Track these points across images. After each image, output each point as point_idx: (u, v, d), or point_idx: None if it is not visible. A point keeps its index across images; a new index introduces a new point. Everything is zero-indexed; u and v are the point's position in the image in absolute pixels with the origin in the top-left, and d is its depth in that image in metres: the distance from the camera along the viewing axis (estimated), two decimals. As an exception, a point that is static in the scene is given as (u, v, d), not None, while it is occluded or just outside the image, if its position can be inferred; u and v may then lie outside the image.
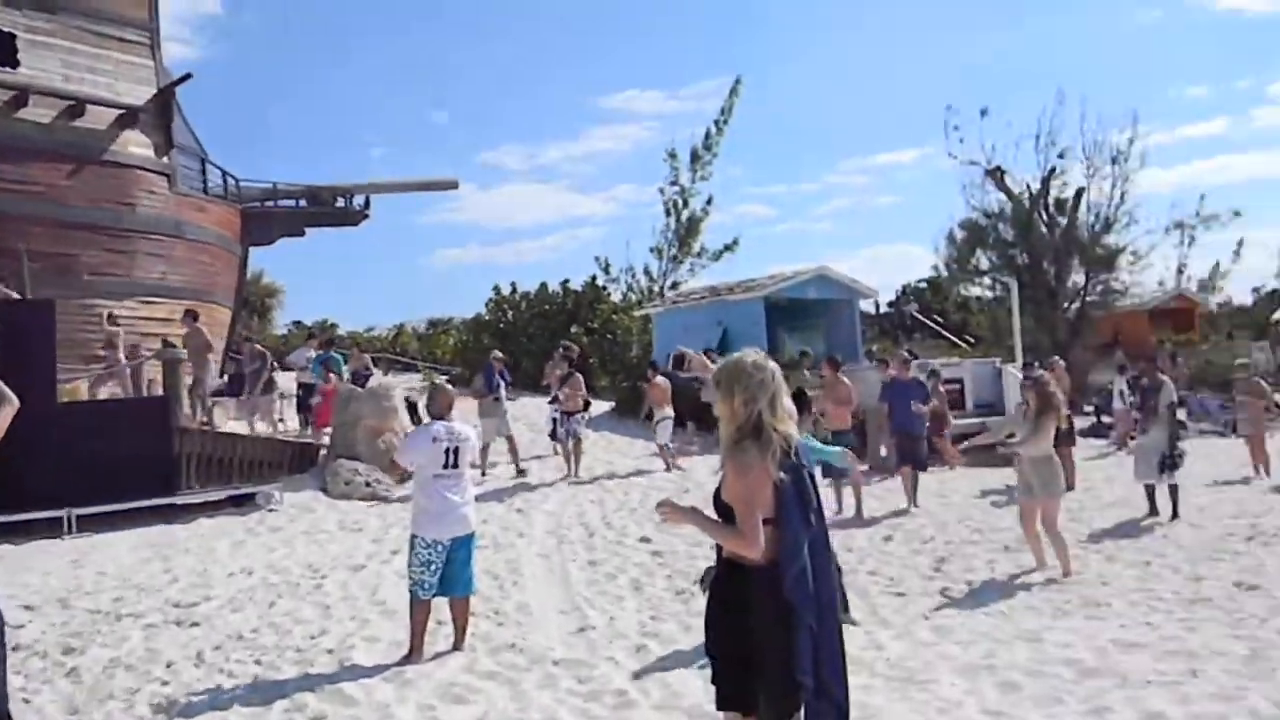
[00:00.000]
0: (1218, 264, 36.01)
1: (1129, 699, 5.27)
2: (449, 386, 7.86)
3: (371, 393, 16.07)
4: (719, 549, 3.62)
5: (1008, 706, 5.26)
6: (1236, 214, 28.46)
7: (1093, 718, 5.03)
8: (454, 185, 34.65)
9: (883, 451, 15.35)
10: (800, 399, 7.64)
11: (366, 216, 29.33)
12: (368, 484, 14.17)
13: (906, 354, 15.71)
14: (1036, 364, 17.12)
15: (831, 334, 25.44)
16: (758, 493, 3.43)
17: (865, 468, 15.60)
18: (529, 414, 19.57)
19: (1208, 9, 74.64)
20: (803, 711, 3.43)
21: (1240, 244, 36.08)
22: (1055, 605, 7.60)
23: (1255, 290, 43.91)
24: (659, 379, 16.47)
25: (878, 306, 44.28)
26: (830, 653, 3.49)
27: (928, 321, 40.77)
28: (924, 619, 7.37)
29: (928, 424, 13.27)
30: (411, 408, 8.76)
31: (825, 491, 12.71)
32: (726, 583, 3.57)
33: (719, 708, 3.57)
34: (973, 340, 35.17)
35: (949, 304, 43.48)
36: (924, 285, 47.83)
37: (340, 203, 28.98)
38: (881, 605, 7.88)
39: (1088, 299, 27.35)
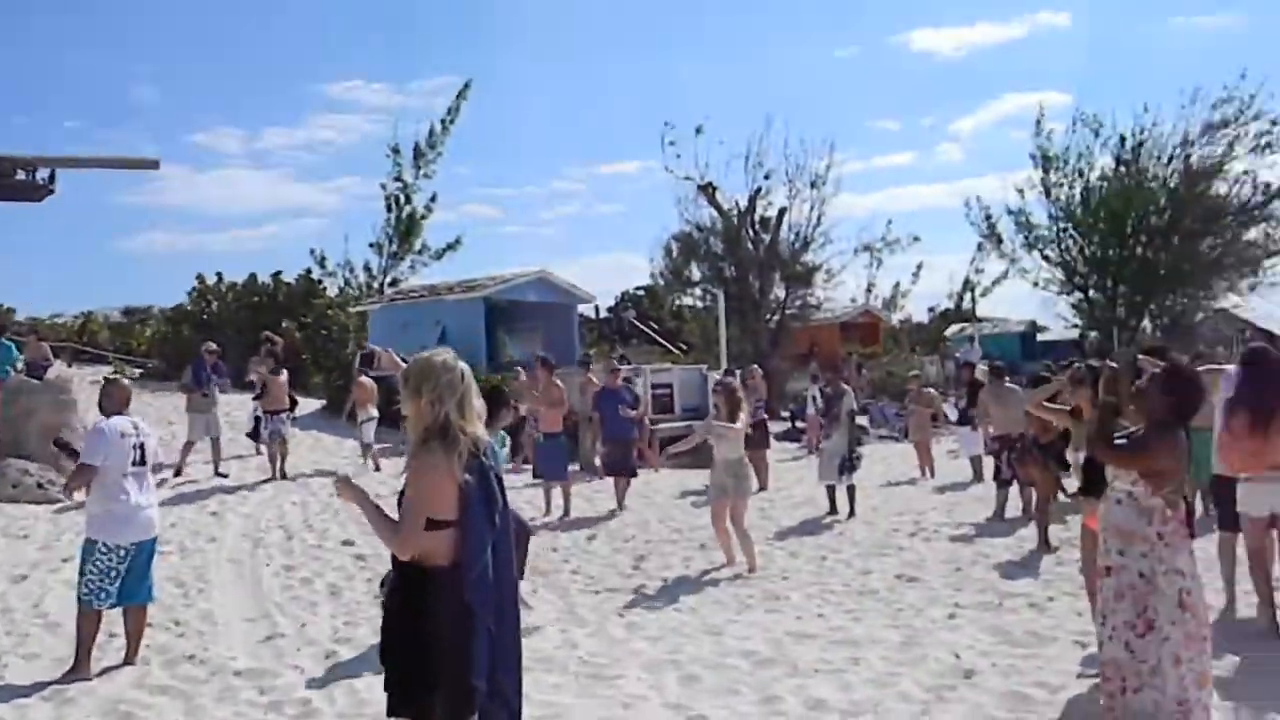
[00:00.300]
0: (899, 284, 39.39)
1: (797, 687, 5.67)
2: (125, 381, 7.27)
3: (48, 385, 14.66)
4: None
5: (687, 699, 5.52)
6: (916, 239, 31.46)
7: (763, 706, 5.37)
8: (155, 165, 31.96)
9: (597, 461, 15.67)
10: (498, 397, 7.66)
11: (51, 192, 26.64)
12: (40, 485, 12.89)
13: (616, 362, 16.15)
14: (737, 371, 18.09)
15: (551, 337, 25.72)
16: (434, 495, 3.43)
17: (576, 468, 15.95)
18: (231, 411, 18.52)
19: (902, 50, 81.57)
20: (476, 715, 3.46)
21: (919, 267, 39.77)
22: (740, 600, 8.06)
23: (931, 310, 48.38)
24: (364, 378, 16.12)
25: (598, 311, 45.24)
26: (507, 655, 3.54)
27: (644, 328, 42.14)
28: (618, 616, 7.60)
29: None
30: (62, 446, 8.11)
31: (534, 493, 12.96)
32: (406, 584, 3.53)
33: (390, 714, 3.53)
34: (685, 347, 36.68)
35: (664, 312, 45.04)
36: (642, 293, 49.28)
37: (21, 175, 26.16)
38: (579, 604, 8.05)
39: (787, 311, 29.21)
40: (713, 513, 9.46)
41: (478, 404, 3.60)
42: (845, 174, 50.93)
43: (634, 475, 13.05)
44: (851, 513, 11.99)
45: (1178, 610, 4.58)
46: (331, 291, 34.62)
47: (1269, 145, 29.13)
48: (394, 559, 3.58)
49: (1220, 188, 30.26)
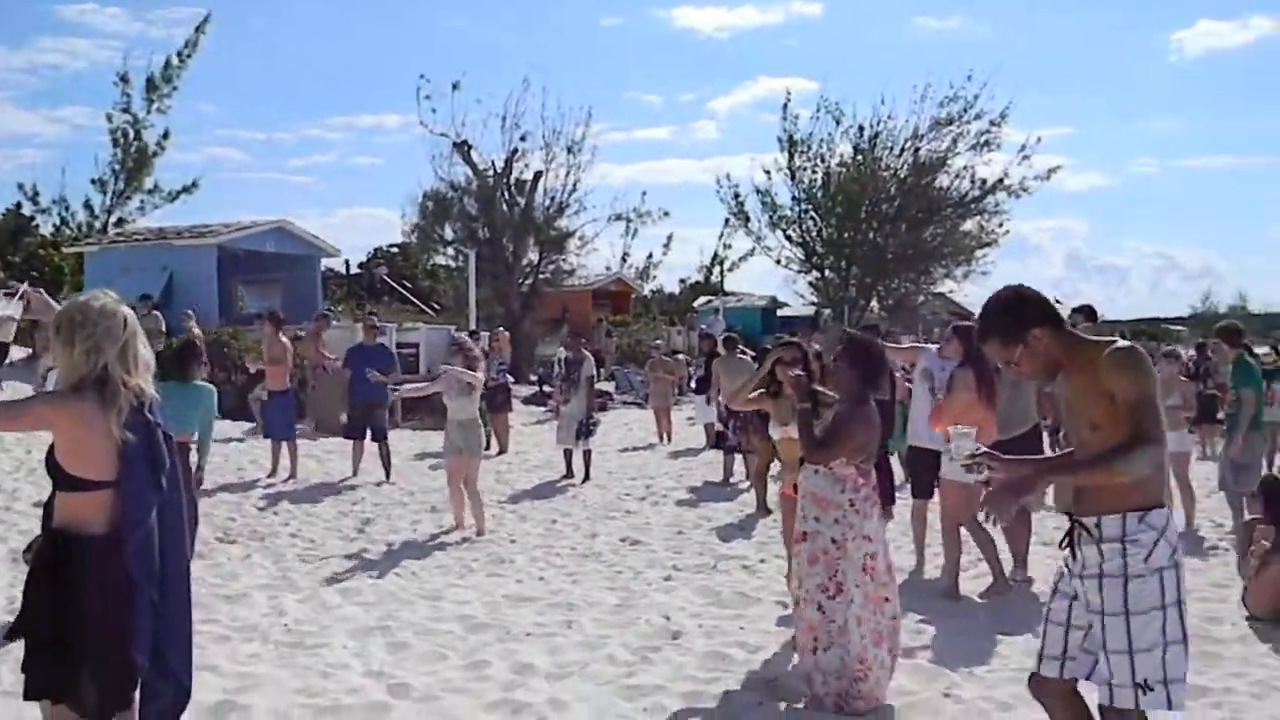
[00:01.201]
0: (651, 255, 40.00)
1: (506, 651, 5.62)
2: None
3: None
4: (47, 516, 3.24)
5: (392, 665, 5.36)
6: (666, 213, 32.01)
7: (469, 671, 5.29)
8: None
9: (343, 417, 15.06)
10: (189, 350, 7.13)
11: None
12: None
13: (373, 319, 15.57)
14: (484, 334, 17.95)
15: (292, 291, 24.61)
16: (71, 445, 3.13)
17: (310, 426, 15.34)
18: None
19: (665, 24, 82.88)
20: (138, 693, 3.19)
21: (670, 239, 40.35)
22: (464, 563, 7.95)
23: (682, 281, 49.58)
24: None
25: (348, 267, 43.62)
26: (174, 629, 3.26)
27: (396, 286, 40.98)
28: (334, 581, 7.31)
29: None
30: None
31: (260, 452, 12.34)
32: (57, 552, 3.19)
33: (28, 697, 3.19)
34: (438, 307, 36.00)
35: (419, 270, 43.98)
36: (396, 250, 47.81)
37: None
38: (294, 569, 7.70)
39: (540, 275, 29.13)
40: (449, 472, 9.27)
41: (144, 354, 3.28)
42: (605, 143, 51.34)
43: (380, 438, 12.39)
44: (587, 476, 12.13)
45: (861, 573, 4.86)
46: (46, 230, 31.72)
47: (987, 144, 31.51)
48: (45, 523, 3.24)
49: (943, 181, 32.52)
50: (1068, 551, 3.31)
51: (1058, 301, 6.28)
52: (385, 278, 41.93)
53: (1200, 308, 70.20)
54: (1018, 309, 3.32)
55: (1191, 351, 18.14)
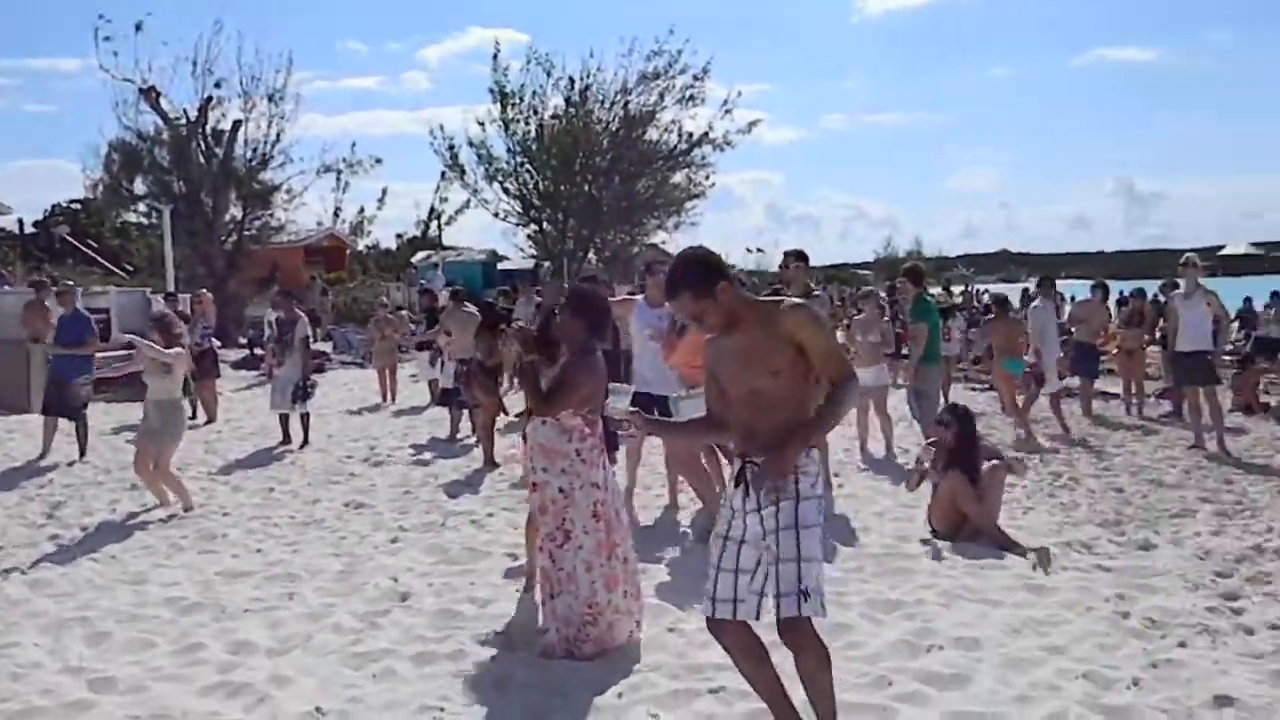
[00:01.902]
0: (364, 209, 38.51)
1: (222, 630, 5.31)
2: None
3: None
4: None
5: (92, 659, 4.93)
6: (378, 161, 30.76)
7: (181, 657, 4.95)
8: None
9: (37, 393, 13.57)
10: None
11: None
12: None
13: (68, 285, 14.10)
14: (184, 296, 16.79)
15: (-48, 253, 21.97)
16: None
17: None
18: None
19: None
20: None
21: (384, 192, 39.11)
22: (171, 542, 7.41)
23: (399, 236, 48.18)
24: None
25: (21, 225, 39.42)
26: None
27: (80, 246, 37.44)
28: (20, 573, 6.62)
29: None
30: None
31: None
32: None
33: None
34: (131, 268, 33.24)
35: (106, 228, 40.32)
36: (78, 206, 43.51)
37: None
38: (-32, 563, 6.91)
39: (245, 232, 27.46)
40: (136, 455, 8.51)
41: None
42: (311, 92, 48.58)
43: (72, 417, 11.04)
44: (305, 441, 11.64)
45: (591, 520, 4.96)
46: None
47: (692, 98, 32.63)
48: None
49: (653, 134, 33.40)
50: (736, 493, 3.59)
51: (759, 250, 6.62)
52: (66, 237, 38.25)
53: (883, 253, 76.77)
54: (706, 265, 3.57)
55: (883, 292, 19.76)
